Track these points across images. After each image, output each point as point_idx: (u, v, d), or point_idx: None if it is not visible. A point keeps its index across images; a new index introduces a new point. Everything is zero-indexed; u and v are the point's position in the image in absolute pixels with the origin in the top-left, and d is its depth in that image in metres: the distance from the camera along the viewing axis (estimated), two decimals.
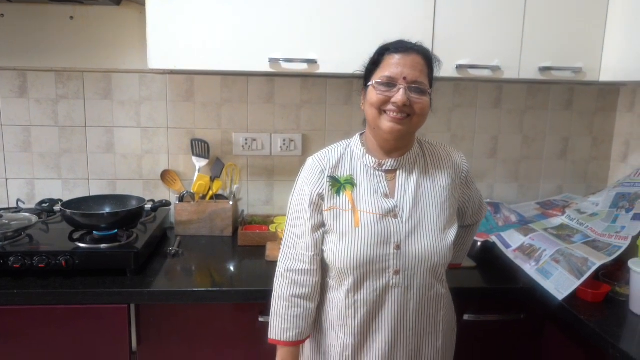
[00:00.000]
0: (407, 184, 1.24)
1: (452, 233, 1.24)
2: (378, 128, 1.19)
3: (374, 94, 1.18)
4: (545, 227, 1.77)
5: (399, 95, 1.14)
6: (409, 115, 1.17)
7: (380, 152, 1.25)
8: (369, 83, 1.20)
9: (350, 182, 1.23)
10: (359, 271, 1.18)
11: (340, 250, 1.19)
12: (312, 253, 1.23)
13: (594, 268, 1.44)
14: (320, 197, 1.23)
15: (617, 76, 1.73)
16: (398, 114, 1.15)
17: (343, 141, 1.31)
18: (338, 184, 1.23)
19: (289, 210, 1.29)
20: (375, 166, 1.24)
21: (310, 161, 1.27)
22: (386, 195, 1.22)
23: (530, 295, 1.57)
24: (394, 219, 1.20)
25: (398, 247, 1.18)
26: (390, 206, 1.21)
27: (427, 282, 1.21)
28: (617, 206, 1.70)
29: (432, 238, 1.20)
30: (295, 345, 1.26)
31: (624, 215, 1.64)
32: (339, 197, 1.22)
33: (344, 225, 1.20)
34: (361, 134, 1.30)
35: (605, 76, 1.76)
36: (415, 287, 1.20)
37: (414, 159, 1.27)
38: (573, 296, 1.44)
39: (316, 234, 1.23)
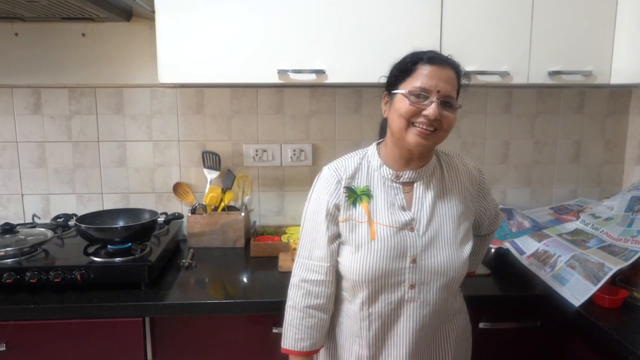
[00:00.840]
0: (424, 196, 1.22)
1: (468, 247, 1.23)
2: (403, 139, 1.16)
3: (404, 104, 1.14)
4: (559, 233, 1.75)
5: (430, 109, 1.11)
6: (436, 130, 1.14)
7: (398, 163, 1.22)
8: (398, 91, 1.16)
9: (367, 194, 1.22)
10: (373, 284, 1.17)
11: (356, 263, 1.18)
12: (328, 264, 1.22)
13: (610, 273, 1.42)
14: (337, 207, 1.22)
15: (628, 78, 1.71)
16: (427, 127, 1.13)
17: (359, 151, 1.29)
18: (354, 195, 1.22)
19: (304, 220, 1.27)
20: (392, 178, 1.23)
21: (327, 171, 1.25)
22: (403, 208, 1.21)
23: (546, 302, 1.55)
24: (410, 232, 1.18)
25: (414, 261, 1.17)
26: (407, 219, 1.19)
27: (442, 296, 1.20)
28: (633, 210, 1.67)
29: (448, 252, 1.19)
30: (308, 355, 1.25)
31: (639, 219, 1.62)
32: (355, 208, 1.21)
33: (359, 238, 1.19)
34: (377, 144, 1.28)
35: (616, 79, 1.75)
36: (430, 301, 1.19)
37: (432, 171, 1.25)
38: (590, 302, 1.42)
39: (332, 245, 1.22)
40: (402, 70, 1.18)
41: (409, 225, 1.19)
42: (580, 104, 2.19)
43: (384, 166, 1.24)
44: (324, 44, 1.67)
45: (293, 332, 1.24)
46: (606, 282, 1.42)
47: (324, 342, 1.29)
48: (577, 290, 1.44)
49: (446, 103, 1.13)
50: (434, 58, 1.15)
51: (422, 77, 1.13)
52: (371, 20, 1.66)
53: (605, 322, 1.36)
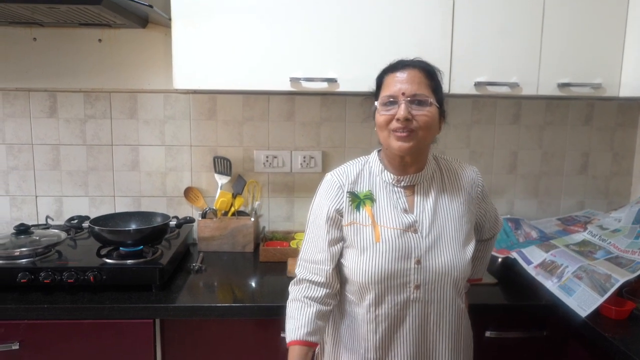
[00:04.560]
0: (425, 199, 1.26)
1: (470, 248, 1.26)
2: (389, 148, 1.22)
3: (379, 116, 1.21)
4: (566, 243, 1.76)
5: (400, 110, 1.16)
6: (414, 131, 1.17)
7: (397, 169, 1.26)
8: (374, 106, 1.23)
9: (370, 198, 1.26)
10: (380, 286, 1.19)
11: (361, 265, 1.20)
12: (328, 267, 1.25)
13: (617, 285, 1.43)
14: (338, 212, 1.25)
15: (637, 91, 1.73)
16: (402, 131, 1.17)
17: (361, 157, 1.34)
18: (357, 200, 1.25)
19: (307, 224, 1.32)
20: (393, 182, 1.26)
21: (329, 177, 1.30)
22: (406, 211, 1.24)
23: (552, 312, 1.56)
24: (414, 234, 1.21)
25: (418, 262, 1.20)
26: (410, 221, 1.22)
27: (447, 296, 1.22)
28: None
29: (451, 253, 1.22)
30: (306, 345, 1.21)
31: None
32: (359, 212, 1.24)
33: (364, 240, 1.22)
34: (379, 151, 1.32)
35: (625, 91, 1.76)
36: (435, 301, 1.21)
37: (431, 174, 1.28)
38: (596, 313, 1.43)
39: (333, 248, 1.25)
40: (376, 87, 1.26)
41: (412, 227, 1.22)
42: (588, 116, 2.20)
43: (385, 171, 1.27)
44: (336, 53, 1.70)
45: (292, 323, 1.24)
46: (613, 294, 1.43)
47: (324, 338, 1.30)
48: (583, 301, 1.45)
49: (416, 102, 1.17)
50: (396, 65, 1.22)
51: (388, 86, 1.20)
52: (383, 30, 1.69)
53: (612, 333, 1.36)
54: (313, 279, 1.26)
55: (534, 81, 1.75)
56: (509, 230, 2.01)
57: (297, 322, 1.23)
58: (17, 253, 1.65)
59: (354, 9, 1.68)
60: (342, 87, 1.71)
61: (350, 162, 1.33)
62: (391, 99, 1.18)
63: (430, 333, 1.22)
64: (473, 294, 1.52)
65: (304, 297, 1.25)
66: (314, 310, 1.24)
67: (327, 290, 1.26)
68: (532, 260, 1.71)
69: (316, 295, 1.25)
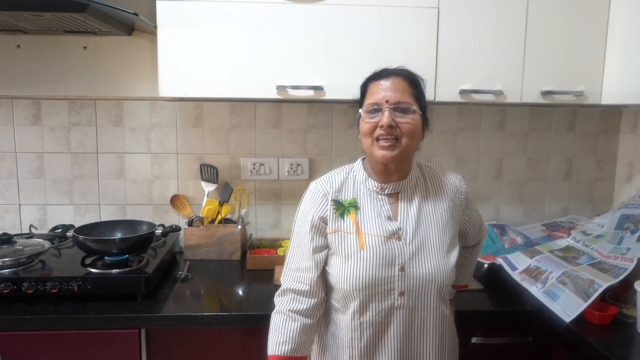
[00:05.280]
0: (409, 206, 1.27)
1: (454, 254, 1.27)
2: (373, 156, 1.23)
3: (363, 124, 1.22)
4: (551, 249, 1.78)
5: (384, 118, 1.17)
6: (398, 139, 1.19)
7: (380, 177, 1.27)
8: (358, 114, 1.25)
9: (354, 206, 1.26)
10: (364, 293, 1.20)
11: (345, 272, 1.21)
12: (313, 275, 1.25)
13: (600, 290, 1.45)
14: (323, 220, 1.25)
15: (618, 99, 1.76)
16: (387, 139, 1.18)
17: (346, 166, 1.34)
18: (342, 208, 1.26)
19: (292, 233, 1.32)
20: (377, 190, 1.27)
21: (313, 185, 1.30)
22: (389, 218, 1.25)
23: (537, 318, 1.57)
24: (398, 241, 1.22)
25: (402, 269, 1.20)
26: (394, 228, 1.23)
27: (432, 303, 1.23)
28: (622, 227, 1.71)
29: (435, 259, 1.22)
30: None
31: (629, 237, 1.66)
32: (343, 220, 1.25)
33: (348, 248, 1.22)
34: (363, 159, 1.33)
35: (607, 99, 1.79)
36: (419, 308, 1.22)
37: (415, 182, 1.29)
38: (580, 318, 1.45)
39: (317, 255, 1.26)
40: (360, 95, 1.28)
41: (396, 235, 1.23)
42: (572, 123, 2.23)
43: (369, 179, 1.28)
44: (322, 61, 1.71)
45: (275, 336, 1.25)
46: (596, 299, 1.44)
47: (307, 352, 1.30)
48: (567, 307, 1.47)
49: (399, 109, 1.18)
50: (379, 73, 1.24)
51: (372, 94, 1.22)
52: (369, 38, 1.70)
53: (595, 338, 1.38)
54: (298, 288, 1.26)
55: (518, 89, 1.77)
56: (494, 236, 2.03)
57: (281, 337, 1.24)
58: (0, 263, 1.62)
59: (341, 17, 1.69)
60: (329, 94, 1.72)
61: (335, 170, 1.34)
62: (375, 107, 1.19)
63: (414, 339, 1.23)
64: (459, 301, 1.53)
65: (288, 310, 1.25)
66: (299, 325, 1.24)
67: (312, 300, 1.25)
68: (517, 266, 1.73)
69: (301, 308, 1.25)
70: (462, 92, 1.75)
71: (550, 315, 1.50)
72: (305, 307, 1.25)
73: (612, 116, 2.24)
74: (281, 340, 1.23)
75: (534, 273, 1.65)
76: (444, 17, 1.71)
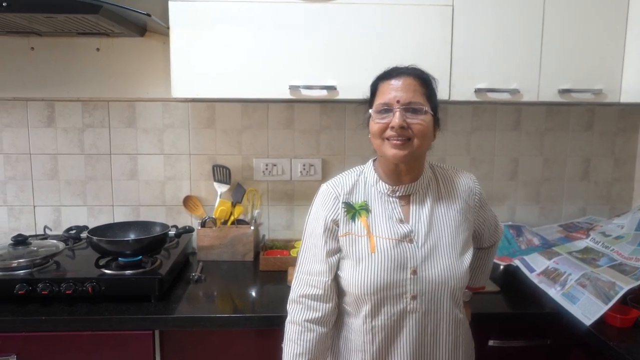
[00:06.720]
0: (421, 209, 1.24)
1: (468, 257, 1.24)
2: (384, 156, 1.21)
3: (373, 124, 1.20)
4: (569, 251, 1.74)
5: (395, 119, 1.15)
6: (410, 139, 1.17)
7: (391, 179, 1.25)
8: (368, 113, 1.23)
9: (365, 208, 1.24)
10: (376, 296, 1.18)
11: (357, 276, 1.19)
12: (327, 278, 1.23)
13: (621, 292, 1.42)
14: (335, 223, 1.24)
15: (638, 97, 1.72)
16: (397, 139, 1.16)
17: (356, 167, 1.32)
18: (353, 210, 1.24)
19: (304, 236, 1.30)
20: (388, 192, 1.25)
21: (325, 187, 1.29)
22: (401, 221, 1.23)
23: (556, 321, 1.54)
24: (409, 244, 1.20)
25: (414, 272, 1.18)
26: (405, 231, 1.21)
27: (445, 306, 1.20)
28: None
29: (448, 262, 1.20)
30: None
31: None
32: (354, 223, 1.23)
33: (360, 251, 1.21)
34: (374, 160, 1.31)
35: (626, 97, 1.75)
36: (432, 312, 1.19)
37: (427, 183, 1.27)
38: (601, 321, 1.42)
39: (331, 259, 1.24)
40: (371, 94, 1.25)
41: (407, 237, 1.21)
42: (589, 122, 2.19)
43: (380, 181, 1.26)
44: (335, 60, 1.69)
45: (292, 347, 1.23)
46: (617, 302, 1.41)
47: (324, 357, 1.28)
48: (587, 309, 1.44)
49: (410, 110, 1.16)
50: (390, 72, 1.21)
51: (382, 94, 1.19)
52: (382, 37, 1.68)
53: (617, 342, 1.35)
54: (312, 293, 1.23)
55: (534, 87, 1.74)
56: (510, 237, 2.00)
57: (299, 348, 1.22)
58: (15, 264, 1.63)
59: (353, 16, 1.67)
60: (342, 94, 1.70)
61: (346, 172, 1.32)
62: (386, 107, 1.17)
63: (427, 344, 1.21)
64: (476, 303, 1.50)
65: (304, 320, 1.23)
66: (315, 336, 1.22)
67: (327, 306, 1.23)
68: (535, 267, 1.70)
69: (316, 316, 1.23)
70: (478, 91, 1.72)
71: (570, 318, 1.47)
72: (320, 315, 1.23)
73: (630, 114, 2.19)
74: (297, 352, 1.22)
75: (552, 275, 1.62)
76: (458, 15, 1.69)
